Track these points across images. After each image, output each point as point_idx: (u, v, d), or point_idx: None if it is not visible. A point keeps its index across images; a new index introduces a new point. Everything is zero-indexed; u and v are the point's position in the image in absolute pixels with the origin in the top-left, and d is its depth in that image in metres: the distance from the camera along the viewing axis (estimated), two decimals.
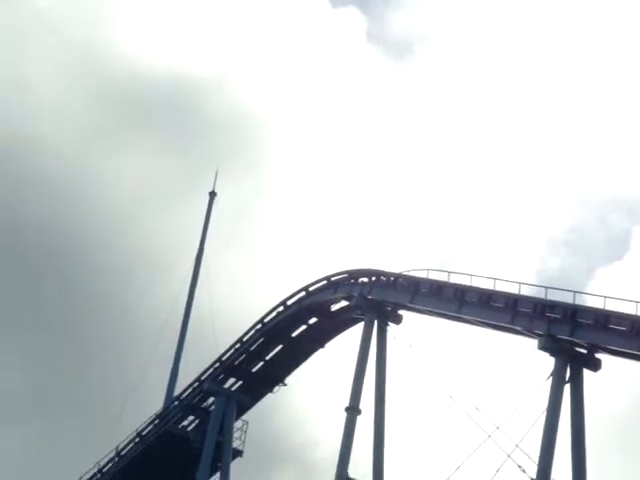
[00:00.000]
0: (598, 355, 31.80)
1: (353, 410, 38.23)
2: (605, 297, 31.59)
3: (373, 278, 40.40)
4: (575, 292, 32.86)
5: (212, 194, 53.71)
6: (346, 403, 38.39)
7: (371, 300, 39.72)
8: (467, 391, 35.17)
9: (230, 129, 70.34)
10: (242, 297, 59.69)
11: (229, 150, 68.48)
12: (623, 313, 30.54)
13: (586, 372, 31.97)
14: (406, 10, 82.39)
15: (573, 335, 31.57)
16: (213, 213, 52.36)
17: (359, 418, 38.24)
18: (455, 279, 37.02)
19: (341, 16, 79.17)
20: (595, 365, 31.88)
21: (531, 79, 77.04)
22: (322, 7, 78.97)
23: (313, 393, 57.44)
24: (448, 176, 74.28)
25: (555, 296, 33.12)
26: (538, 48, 76.80)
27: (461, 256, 70.97)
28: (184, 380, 47.10)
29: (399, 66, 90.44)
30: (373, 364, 38.92)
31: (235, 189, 66.05)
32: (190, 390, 46.19)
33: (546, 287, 33.98)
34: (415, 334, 38.76)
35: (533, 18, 77.37)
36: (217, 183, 52.54)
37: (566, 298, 32.58)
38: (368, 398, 38.51)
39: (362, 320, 40.05)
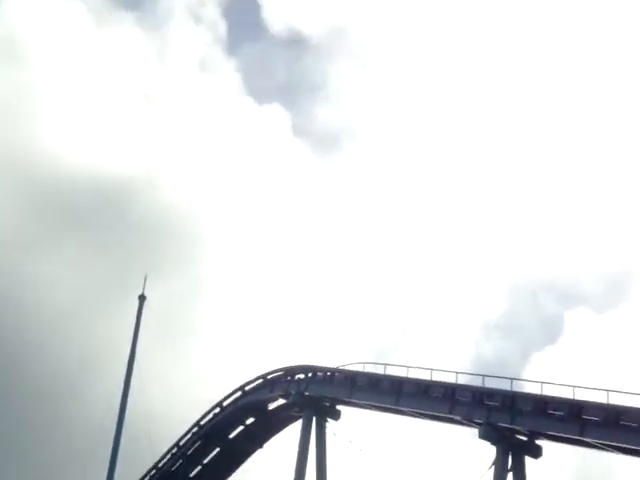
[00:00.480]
0: (538, 442, 31.55)
1: None
2: (542, 383, 31.66)
3: (309, 374, 40.09)
4: (512, 379, 32.84)
5: (142, 297, 53.06)
6: None
7: (308, 397, 39.28)
8: None
9: (160, 228, 70.01)
10: (177, 399, 58.56)
11: (160, 250, 68.02)
12: (561, 398, 30.53)
13: (527, 459, 31.64)
14: (331, 104, 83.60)
15: (513, 422, 31.44)
16: (146, 315, 51.62)
17: None
18: (391, 371, 36.88)
19: (266, 112, 79.93)
20: (536, 452, 31.66)
21: (463, 163, 78.16)
22: (247, 104, 79.57)
23: None
24: (377, 268, 74.53)
25: (492, 383, 33.03)
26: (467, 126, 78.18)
27: (395, 347, 70.81)
28: None
29: (326, 159, 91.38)
30: (313, 462, 38.23)
31: (167, 289, 65.48)
32: None
33: (483, 375, 33.95)
34: (354, 429, 38.25)
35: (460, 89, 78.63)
36: (149, 284, 51.96)
37: (503, 385, 32.50)
38: None
39: (300, 418, 39.45)
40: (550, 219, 74.57)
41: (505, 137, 77.49)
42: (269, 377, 41.50)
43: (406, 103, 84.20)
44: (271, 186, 75.98)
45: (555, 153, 75.77)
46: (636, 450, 28.41)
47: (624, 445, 28.53)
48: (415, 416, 35.62)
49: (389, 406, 36.15)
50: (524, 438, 31.66)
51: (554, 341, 72.06)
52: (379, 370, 37.38)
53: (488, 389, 32.88)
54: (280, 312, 70.51)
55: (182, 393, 59.13)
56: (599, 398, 29.22)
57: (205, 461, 43.65)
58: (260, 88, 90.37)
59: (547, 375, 56.55)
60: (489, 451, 31.61)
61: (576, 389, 30.08)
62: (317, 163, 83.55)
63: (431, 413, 34.73)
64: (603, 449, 29.27)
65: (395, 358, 66.35)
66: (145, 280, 50.03)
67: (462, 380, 34.45)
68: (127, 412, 46.93)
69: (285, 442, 42.16)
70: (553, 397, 30.71)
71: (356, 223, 76.45)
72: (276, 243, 74.25)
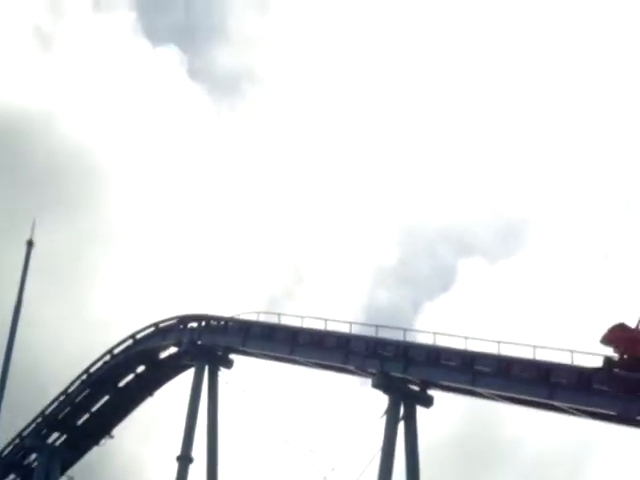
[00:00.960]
0: (430, 391, 32.13)
1: (184, 459, 37.40)
2: (435, 333, 32.22)
3: (203, 323, 39.87)
4: (405, 330, 33.35)
5: (29, 243, 52.03)
6: (177, 452, 37.53)
7: (201, 345, 39.09)
8: (302, 434, 35.03)
9: (56, 169, 68.09)
10: (69, 346, 57.66)
11: (56, 191, 66.17)
12: (453, 349, 31.10)
13: (419, 408, 32.20)
14: (231, 47, 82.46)
15: (406, 372, 31.89)
16: (39, 259, 50.48)
17: (191, 467, 37.44)
18: (286, 321, 37.01)
19: (162, 54, 78.35)
20: (427, 401, 32.22)
21: (364, 102, 78.13)
22: (142, 45, 77.77)
23: (143, 444, 55.85)
24: (273, 213, 74.19)
25: (386, 334, 33.46)
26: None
27: (290, 295, 70.89)
28: (5, 436, 44.97)
29: (226, 103, 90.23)
30: (205, 410, 38.22)
31: (64, 232, 64.03)
32: (11, 447, 44.26)
33: (377, 325, 34.34)
34: (248, 378, 38.29)
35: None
36: (44, 227, 50.75)
37: (397, 335, 32.96)
38: (201, 445, 37.76)
39: (192, 366, 39.30)
40: (446, 167, 75.27)
41: (403, 78, 77.42)
42: (161, 325, 41.12)
43: (308, 47, 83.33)
44: (170, 131, 74.66)
45: (445, 95, 76.24)
46: (524, 400, 29.18)
47: (513, 395, 29.28)
48: (309, 366, 35.89)
49: (283, 355, 36.31)
50: (416, 388, 32.19)
51: (447, 290, 72.87)
52: (273, 320, 37.56)
53: (382, 339, 33.29)
54: (177, 259, 69.75)
55: (74, 340, 58.36)
56: (491, 349, 29.91)
57: (93, 409, 43.16)
58: (156, 28, 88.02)
59: (440, 324, 57.49)
60: (383, 400, 32.06)
61: (468, 340, 30.73)
62: (215, 107, 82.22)
63: (325, 363, 35.05)
64: (493, 399, 30.01)
65: (290, 306, 66.39)
66: (34, 224, 48.87)
67: (356, 330, 34.93)
68: (14, 360, 46.09)
69: (176, 391, 41.99)
70: (446, 348, 31.27)
71: (254, 168, 75.79)
72: (174, 187, 73.24)
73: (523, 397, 29.00)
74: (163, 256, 69.45)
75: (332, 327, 35.34)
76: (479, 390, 30.05)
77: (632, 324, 26.52)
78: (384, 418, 31.84)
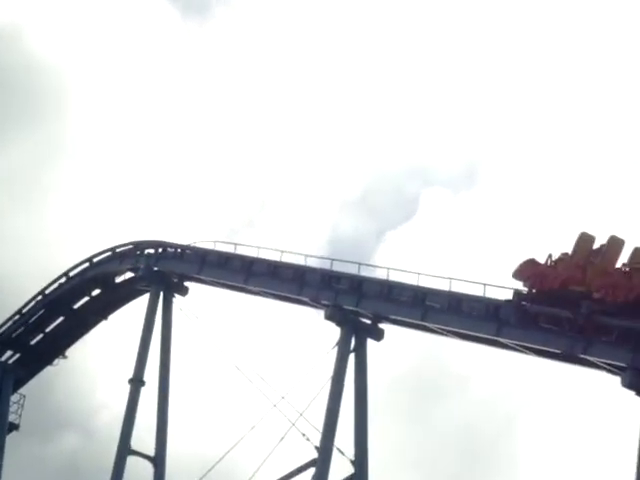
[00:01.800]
0: (382, 325, 32.71)
1: (137, 382, 37.92)
2: (389, 269, 32.75)
3: (160, 249, 40.12)
4: (360, 264, 33.79)
5: None
6: (130, 375, 38.00)
7: (157, 272, 39.39)
8: (253, 362, 35.53)
9: (18, 86, 67.08)
10: (25, 267, 57.54)
11: (20, 105, 65.35)
12: (405, 284, 31.65)
13: (370, 341, 32.80)
14: None
15: (358, 305, 32.41)
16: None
17: (143, 389, 37.94)
18: (243, 251, 37.34)
19: None
20: (378, 335, 32.80)
21: (337, 33, 77.69)
22: None
23: (96, 365, 56.35)
24: (239, 141, 73.83)
25: (341, 267, 33.96)
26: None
27: (251, 223, 71.01)
28: None
29: (196, 22, 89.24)
30: (159, 336, 38.64)
31: (26, 147, 63.34)
32: None
33: (332, 259, 34.86)
34: (202, 306, 38.69)
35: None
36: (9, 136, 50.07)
37: (353, 269, 33.46)
38: (153, 369, 38.24)
39: (148, 292, 39.63)
40: (409, 105, 75.43)
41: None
42: (118, 250, 41.31)
43: None
44: (138, 49, 73.82)
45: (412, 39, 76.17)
46: (473, 336, 29.84)
47: (462, 331, 29.94)
48: (264, 296, 36.30)
49: (238, 284, 36.67)
50: (368, 321, 32.76)
51: (409, 219, 73.55)
52: (230, 249, 37.89)
53: (337, 272, 33.75)
54: (139, 182, 69.46)
55: (30, 260, 58.35)
56: (443, 285, 30.50)
57: (47, 329, 43.44)
58: None
59: (400, 256, 58.22)
60: (335, 333, 32.63)
61: (421, 276, 31.27)
62: (186, 25, 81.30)
63: (280, 293, 35.45)
64: (443, 334, 30.66)
65: (250, 234, 66.53)
66: None
67: (312, 263, 35.35)
68: None
69: (130, 315, 42.34)
70: (398, 283, 31.82)
71: (221, 93, 75.15)
72: (139, 108, 72.66)
73: (471, 333, 29.66)
74: (124, 178, 69.25)
75: (288, 259, 35.87)
76: (429, 325, 30.65)
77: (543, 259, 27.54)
78: (335, 349, 32.47)
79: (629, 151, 64.03)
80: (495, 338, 28.64)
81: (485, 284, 29.13)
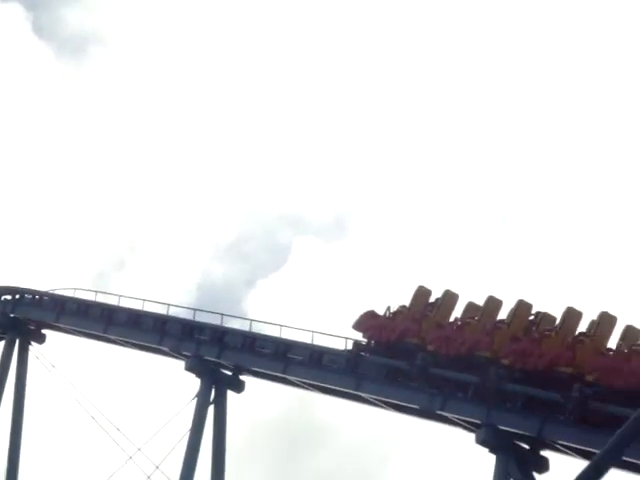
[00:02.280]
0: (243, 377, 32.46)
1: None
2: (252, 320, 32.75)
3: (17, 296, 39.19)
4: (223, 315, 33.65)
5: None
6: None
7: (14, 318, 38.47)
8: (110, 412, 34.79)
9: None
10: None
11: None
12: (268, 336, 31.60)
13: (230, 393, 32.48)
14: (80, 8, 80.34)
15: (220, 357, 32.14)
16: None
17: None
18: (103, 299, 36.78)
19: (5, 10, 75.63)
20: (239, 387, 32.53)
21: (212, 73, 77.63)
22: None
23: None
24: (111, 184, 72.81)
25: (205, 317, 33.69)
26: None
27: (121, 266, 69.93)
28: None
29: (73, 64, 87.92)
30: (12, 384, 37.49)
31: None
32: None
33: (194, 309, 34.66)
34: (60, 354, 37.78)
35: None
36: None
37: (215, 320, 33.24)
38: (6, 419, 37.04)
39: (3, 339, 38.56)
40: (282, 153, 75.93)
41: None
42: None
43: (155, 12, 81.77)
44: (8, 87, 72.37)
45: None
46: (332, 389, 29.83)
47: (323, 384, 29.91)
48: (124, 345, 35.69)
49: (97, 333, 36.07)
50: (229, 373, 32.47)
51: (280, 268, 73.73)
52: (90, 297, 37.22)
53: (199, 323, 33.50)
54: (4, 226, 67.64)
55: None
56: (305, 338, 30.50)
57: None
58: None
59: (269, 305, 58.28)
60: (196, 384, 32.21)
61: (284, 328, 31.24)
62: (60, 67, 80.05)
63: (140, 343, 34.94)
64: (304, 387, 30.57)
65: (120, 278, 65.53)
66: None
67: (175, 312, 34.96)
68: None
69: None
70: (261, 334, 31.80)
71: (95, 133, 74.12)
72: (7, 147, 71.04)
73: (332, 387, 29.65)
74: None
75: (151, 308, 35.41)
76: (290, 377, 30.55)
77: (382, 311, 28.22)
78: (195, 401, 32.03)
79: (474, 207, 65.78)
80: (355, 392, 28.69)
81: (347, 338, 29.28)
